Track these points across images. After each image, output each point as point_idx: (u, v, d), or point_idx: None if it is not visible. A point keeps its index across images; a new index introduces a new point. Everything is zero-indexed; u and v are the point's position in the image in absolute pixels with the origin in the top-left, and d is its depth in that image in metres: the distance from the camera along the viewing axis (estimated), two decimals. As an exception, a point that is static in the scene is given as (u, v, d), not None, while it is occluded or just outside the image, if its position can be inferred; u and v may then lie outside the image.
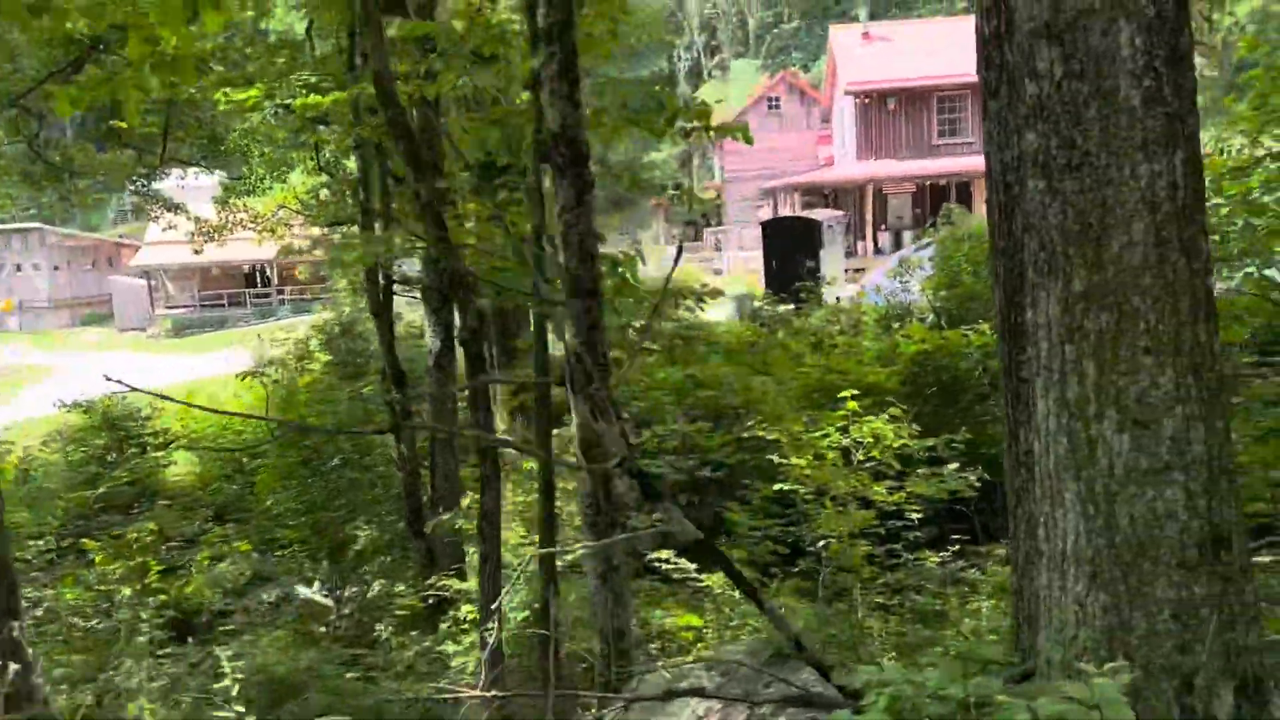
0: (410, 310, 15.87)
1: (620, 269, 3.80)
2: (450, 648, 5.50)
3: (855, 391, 6.81)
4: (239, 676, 4.01)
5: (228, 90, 7.90)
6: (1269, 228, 7.01)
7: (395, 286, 8.48)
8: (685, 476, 9.25)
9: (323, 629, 8.03)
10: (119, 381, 2.67)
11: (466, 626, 5.71)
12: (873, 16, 43.51)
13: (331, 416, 11.02)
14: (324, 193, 15.32)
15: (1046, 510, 2.93)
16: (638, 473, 2.72)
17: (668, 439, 9.60)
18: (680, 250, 3.72)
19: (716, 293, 4.36)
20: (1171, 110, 2.70)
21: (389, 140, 6.94)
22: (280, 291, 47.76)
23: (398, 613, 6.98)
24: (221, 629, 6.98)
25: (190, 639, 7.57)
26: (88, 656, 6.90)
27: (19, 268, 51.55)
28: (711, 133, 4.55)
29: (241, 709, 3.77)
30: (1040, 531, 2.97)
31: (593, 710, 2.74)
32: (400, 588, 8.10)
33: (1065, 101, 2.74)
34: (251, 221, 17.72)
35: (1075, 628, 2.87)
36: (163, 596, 7.90)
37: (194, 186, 23.29)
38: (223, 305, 48.00)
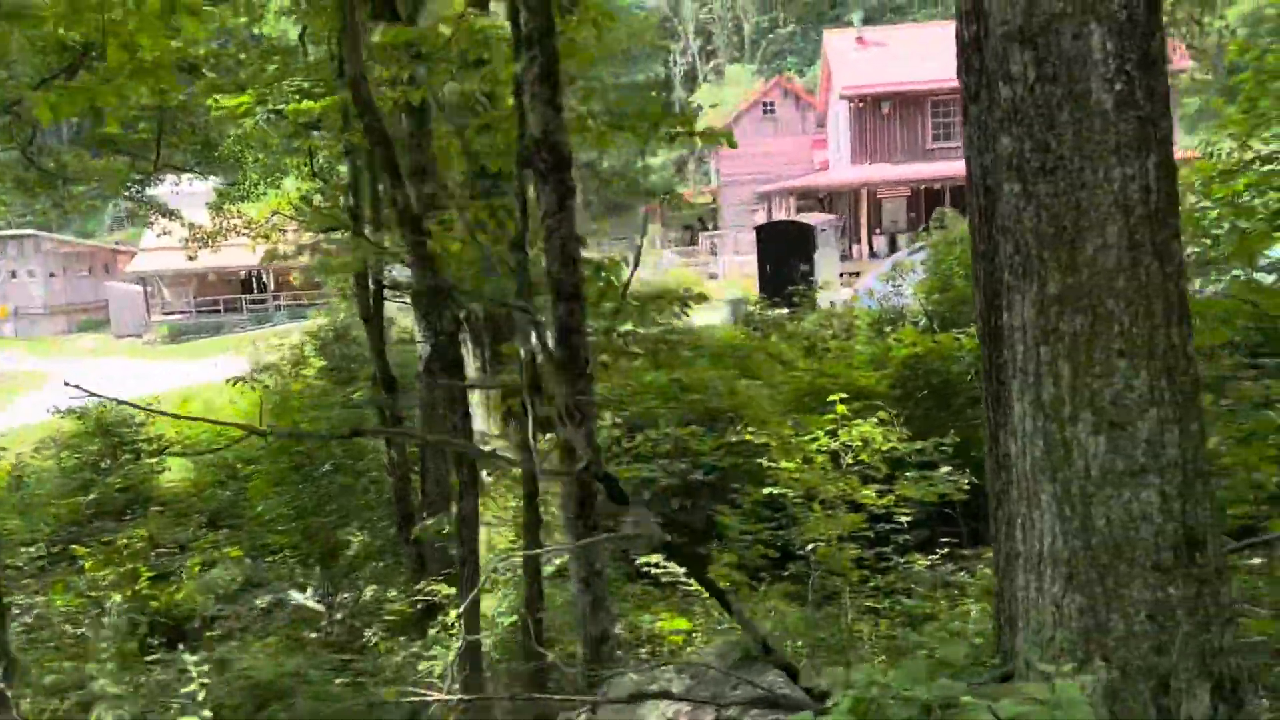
0: (404, 315, 15.87)
1: (603, 273, 3.82)
2: (439, 652, 5.51)
3: (844, 395, 6.81)
4: (208, 681, 4.00)
5: (217, 97, 7.90)
6: (1256, 230, 7.04)
7: (386, 291, 8.48)
8: (678, 480, 9.26)
9: (314, 634, 8.02)
10: (77, 386, 2.67)
11: (454, 631, 5.72)
12: (867, 21, 43.54)
13: (325, 422, 11.02)
14: (317, 198, 15.34)
15: (1023, 512, 2.94)
16: (603, 476, 2.72)
17: (660, 443, 9.62)
18: (638, 257, 3.72)
19: (701, 297, 4.37)
20: (1144, 114, 2.72)
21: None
22: (276, 297, 47.72)
23: (386, 618, 6.98)
24: (209, 635, 6.98)
25: (181, 645, 7.57)
26: (77, 663, 6.89)
27: (14, 274, 51.48)
28: (696, 137, 4.56)
29: (209, 714, 3.77)
30: (1018, 533, 2.98)
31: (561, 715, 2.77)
32: (392, 593, 8.10)
33: (1039, 105, 2.76)
34: (245, 227, 17.72)
35: (1052, 629, 2.88)
36: (154, 603, 7.90)
37: (188, 192, 23.28)
38: (219, 311, 47.93)
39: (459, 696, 2.53)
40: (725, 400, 7.14)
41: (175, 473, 14.45)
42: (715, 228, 44.89)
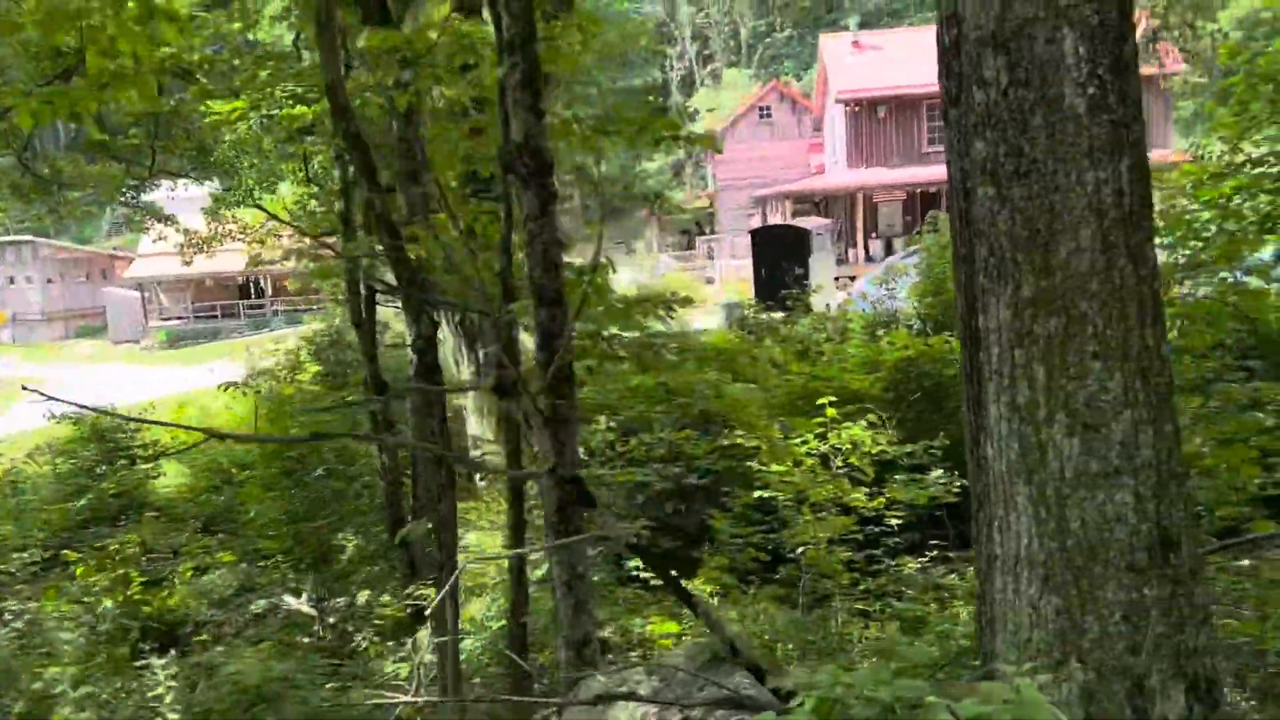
0: (398, 320, 15.88)
1: (586, 276, 3.83)
2: (428, 657, 5.51)
3: (836, 398, 6.83)
4: (175, 685, 4.00)
5: (209, 103, 7.92)
6: (1243, 233, 7.06)
7: (378, 295, 8.49)
8: (672, 484, 9.27)
9: (306, 639, 8.03)
10: (38, 392, 2.68)
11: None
12: (864, 25, 43.62)
13: (318, 427, 11.01)
14: (312, 203, 15.35)
15: (1000, 514, 2.95)
16: (570, 479, 2.73)
17: (655, 447, 9.63)
18: (595, 255, 3.70)
19: (687, 301, 4.39)
20: (1116, 117, 2.73)
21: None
22: (273, 302, 47.74)
23: (376, 622, 6.98)
24: (197, 639, 6.98)
25: (173, 650, 7.57)
26: (68, 669, 6.89)
27: (12, 280, 51.50)
28: (681, 142, 4.58)
29: (176, 718, 3.78)
30: (995, 535, 2.99)
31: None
32: (385, 598, 8.10)
33: (1012, 109, 2.78)
34: (241, 232, 17.72)
35: (1029, 630, 2.89)
36: (146, 608, 7.90)
37: (184, 198, 23.29)
38: (216, 317, 47.95)
39: (424, 699, 2.54)
40: (712, 404, 7.15)
41: (170, 478, 14.45)
42: (712, 232, 44.94)
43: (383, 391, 6.88)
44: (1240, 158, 8.50)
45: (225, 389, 8.85)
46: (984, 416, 3.17)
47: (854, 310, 14.55)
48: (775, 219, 36.54)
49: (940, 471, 7.08)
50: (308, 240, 10.50)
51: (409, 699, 2.26)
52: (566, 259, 4.29)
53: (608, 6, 48.93)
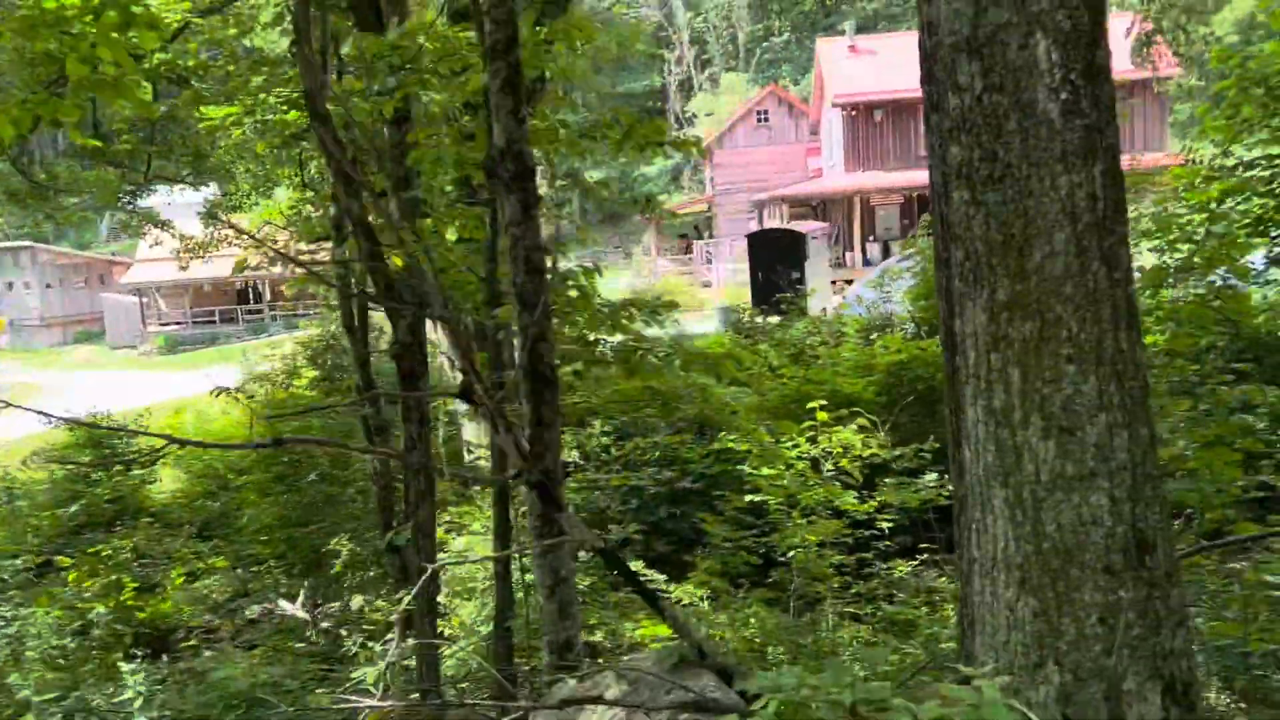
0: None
1: (569, 282, 3.85)
2: (406, 662, 5.51)
3: (824, 402, 6.84)
4: (143, 690, 4.00)
5: (202, 109, 7.93)
6: (1231, 236, 7.08)
7: (371, 301, 8.49)
8: (666, 488, 9.30)
9: (299, 644, 8.03)
10: (7, 404, 2.69)
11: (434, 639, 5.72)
12: (861, 30, 43.72)
13: (314, 432, 11.03)
14: (307, 208, 15.37)
15: (977, 517, 2.96)
16: (535, 484, 2.74)
17: (649, 451, 9.65)
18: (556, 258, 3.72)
19: (671, 305, 4.41)
20: (1090, 122, 2.75)
21: (360, 155, 7.00)
22: (272, 308, 47.77)
23: (365, 626, 6.99)
24: (185, 645, 6.98)
25: (165, 655, 7.58)
26: (60, 675, 6.90)
27: (10, 286, 51.55)
28: (666, 147, 4.59)
29: None
30: (972, 538, 3.00)
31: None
32: (380, 602, 8.11)
33: (986, 114, 2.79)
34: (237, 237, 17.75)
35: (1007, 633, 2.90)
36: (140, 614, 7.91)
37: (181, 203, 23.32)
38: (214, 322, 47.99)
39: (390, 704, 2.55)
40: (699, 407, 7.18)
41: (167, 483, 14.47)
42: (711, 236, 44.97)
43: (375, 398, 6.88)
44: (1232, 161, 8.53)
45: (217, 394, 8.85)
46: (962, 420, 3.19)
47: (849, 314, 14.57)
48: (773, 223, 36.60)
49: (934, 475, 7.10)
50: (303, 245, 10.51)
51: (373, 704, 2.27)
52: (563, 264, 4.32)
53: (606, 10, 49.05)
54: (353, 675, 4.25)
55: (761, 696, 1.77)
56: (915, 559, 6.89)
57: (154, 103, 11.60)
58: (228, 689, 5.00)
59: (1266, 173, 8.11)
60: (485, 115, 3.87)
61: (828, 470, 6.65)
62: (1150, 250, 7.70)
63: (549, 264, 3.79)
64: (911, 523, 7.54)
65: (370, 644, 6.80)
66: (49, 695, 5.24)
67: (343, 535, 8.76)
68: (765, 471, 6.58)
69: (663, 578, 6.42)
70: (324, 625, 8.28)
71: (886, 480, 6.85)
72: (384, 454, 4.32)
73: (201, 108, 10.51)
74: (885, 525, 6.86)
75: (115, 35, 2.76)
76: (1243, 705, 4.41)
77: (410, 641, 4.14)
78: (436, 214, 6.11)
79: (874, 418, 7.30)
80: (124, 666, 4.51)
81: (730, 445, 7.43)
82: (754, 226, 37.98)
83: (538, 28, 4.74)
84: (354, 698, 2.36)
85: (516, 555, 4.14)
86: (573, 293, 4.47)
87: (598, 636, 6.12)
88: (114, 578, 7.54)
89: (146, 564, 8.92)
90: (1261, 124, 8.38)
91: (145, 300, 48.62)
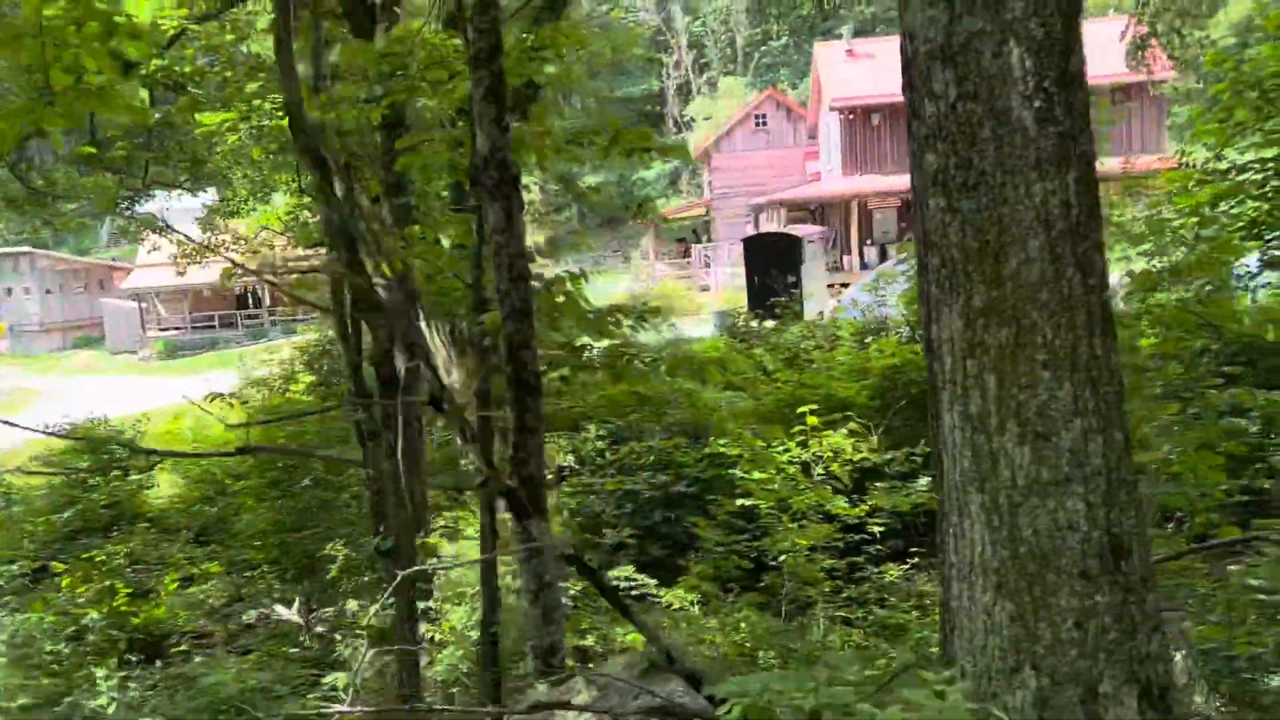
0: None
1: (554, 288, 3.87)
2: (390, 667, 5.54)
3: (814, 406, 6.86)
4: (117, 697, 4.01)
5: (196, 116, 7.96)
6: (1221, 240, 7.10)
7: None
8: (660, 492, 9.32)
9: (294, 649, 8.04)
10: None
11: (425, 645, 5.75)
12: (859, 34, 43.79)
13: (313, 437, 11.06)
14: (305, 214, 15.39)
15: (955, 522, 2.98)
16: (504, 491, 2.76)
17: (644, 455, 9.67)
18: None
19: (655, 311, 4.43)
20: (1064, 130, 2.77)
21: (354, 161, 7.03)
22: (271, 313, 47.80)
23: (357, 631, 7.01)
24: (176, 651, 7.00)
25: (159, 660, 7.59)
26: (55, 681, 6.91)
27: (9, 291, 51.60)
28: (653, 153, 4.62)
29: None
30: (951, 542, 3.02)
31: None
32: (374, 607, 8.11)
33: (961, 122, 2.81)
34: (234, 243, 17.78)
35: (984, 637, 2.91)
36: (135, 619, 7.92)
37: (179, 209, 23.34)
38: (214, 327, 48.02)
39: (360, 710, 2.56)
40: (686, 412, 7.20)
41: (164, 489, 14.48)
42: (709, 239, 45.02)
43: (355, 404, 6.90)
44: (1225, 165, 8.54)
45: (211, 400, 8.88)
46: (940, 425, 3.21)
47: (844, 317, 14.58)
48: (771, 227, 36.62)
49: (926, 479, 7.12)
50: (298, 251, 10.52)
51: (343, 709, 2.28)
52: (553, 269, 4.33)
53: (605, 14, 49.14)
54: (323, 681, 4.26)
55: (728, 701, 1.79)
56: (906, 563, 6.90)
57: (150, 108, 11.62)
58: (218, 694, 5.02)
59: (1259, 176, 8.13)
60: (471, 123, 3.89)
61: (818, 474, 6.66)
62: (1139, 254, 7.72)
63: (534, 270, 3.80)
64: (904, 526, 7.56)
65: (360, 649, 6.82)
66: (37, 702, 5.25)
67: (337, 540, 8.78)
68: (756, 476, 6.60)
69: (653, 582, 6.43)
70: (318, 630, 8.29)
71: (878, 484, 6.87)
72: (343, 463, 4.33)
73: (198, 114, 10.55)
74: (876, 529, 6.88)
75: (98, 45, 2.79)
76: (1233, 709, 4.42)
77: (378, 650, 4.16)
78: (425, 221, 6.14)
79: (865, 422, 7.31)
80: (98, 673, 4.52)
81: (721, 450, 7.44)
82: (751, 230, 37.99)
83: (523, 35, 4.76)
84: (325, 704, 2.37)
85: (475, 563, 4.15)
86: (560, 298, 4.48)
87: (589, 641, 6.14)
88: (107, 583, 7.55)
89: (140, 569, 8.93)
90: (1255, 127, 8.39)
91: (145, 305, 48.66)
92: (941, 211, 2.87)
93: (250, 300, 49.51)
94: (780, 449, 6.93)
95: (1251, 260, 8.52)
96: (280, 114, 10.48)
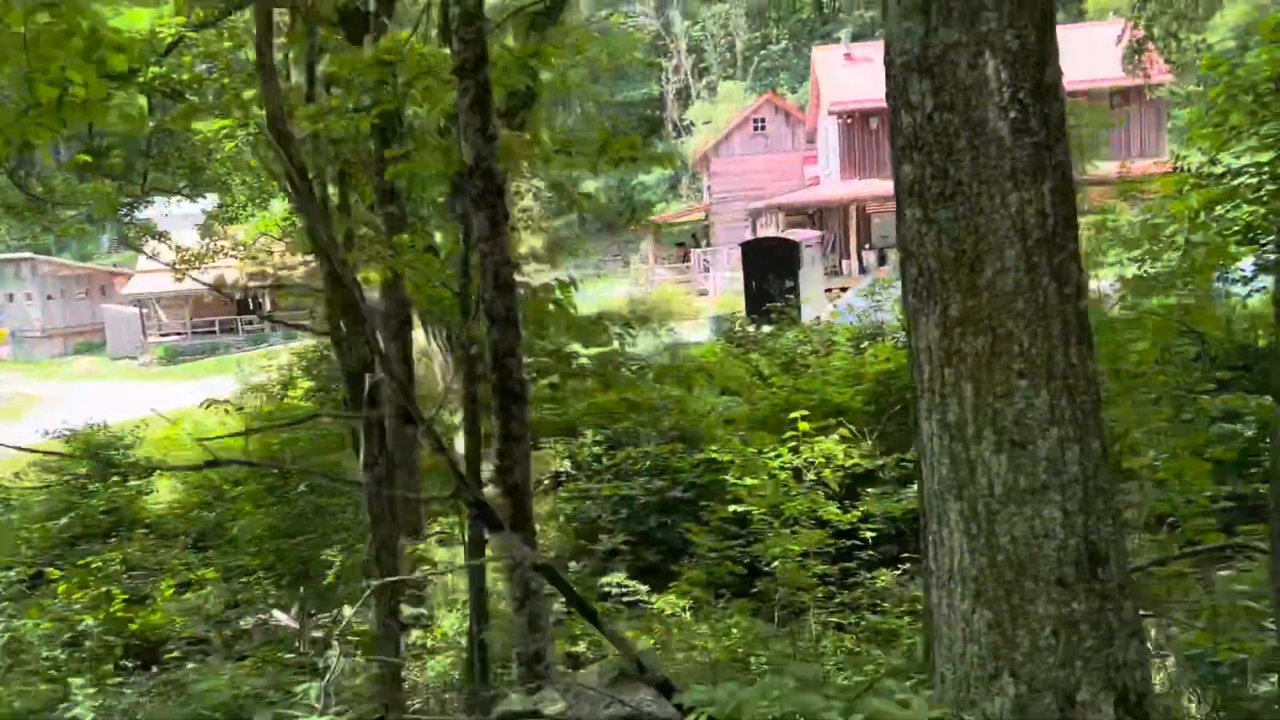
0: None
1: (540, 296, 3.89)
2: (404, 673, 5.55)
3: (805, 412, 6.88)
4: (97, 704, 4.03)
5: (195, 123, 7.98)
6: (1212, 246, 7.10)
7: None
8: (655, 498, 9.33)
9: (289, 655, 8.05)
10: None
11: (417, 651, 5.77)
12: (857, 38, 43.77)
13: (308, 444, 11.09)
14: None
15: (935, 529, 3.00)
16: (473, 502, 2.78)
17: (640, 460, 9.69)
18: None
19: (642, 320, 4.45)
20: (1039, 140, 2.79)
21: (349, 169, 7.06)
22: (272, 318, 47.77)
23: (350, 638, 7.02)
24: (170, 657, 7.01)
25: (155, 667, 7.60)
26: (51, 687, 6.93)
27: (11, 298, 51.67)
28: (642, 160, 4.64)
29: None
30: (931, 550, 3.04)
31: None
32: (348, 617, 8.12)
33: (937, 132, 2.83)
34: (233, 249, 17.81)
35: (963, 644, 2.93)
36: (132, 625, 7.93)
37: (179, 214, 23.39)
38: (214, 332, 48.05)
39: (331, 716, 2.59)
40: (675, 418, 7.22)
41: (163, 494, 14.49)
42: (708, 244, 45.04)
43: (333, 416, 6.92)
44: (1220, 169, 8.54)
45: (208, 406, 8.90)
46: (920, 433, 3.23)
47: (840, 322, 14.59)
48: (769, 231, 36.61)
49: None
50: (297, 258, 10.55)
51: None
52: (560, 274, 4.36)
53: (604, 19, 49.21)
54: (296, 689, 4.28)
55: (695, 709, 1.81)
56: (899, 568, 6.92)
57: (148, 115, 11.66)
58: (211, 700, 5.03)
59: (1255, 180, 8.14)
60: (459, 132, 3.91)
61: (809, 480, 6.68)
62: (1130, 260, 7.74)
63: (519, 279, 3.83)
64: (896, 532, 7.57)
65: (356, 655, 6.83)
66: (32, 708, 5.27)
67: (334, 546, 8.80)
68: (748, 481, 6.61)
69: (644, 588, 6.44)
70: (314, 635, 8.30)
71: (870, 490, 6.88)
72: (316, 474, 4.35)
73: (195, 121, 10.58)
74: (869, 535, 6.89)
75: (82, 60, 2.82)
76: (1218, 715, 4.43)
77: (352, 659, 4.18)
78: (421, 229, 6.16)
79: (855, 428, 7.32)
80: (75, 682, 4.53)
81: (714, 455, 7.46)
82: (750, 235, 38.01)
83: (517, 44, 4.79)
84: (297, 712, 2.40)
85: (450, 570, 4.17)
86: (550, 306, 4.50)
87: (581, 647, 6.15)
88: (104, 589, 7.57)
89: (137, 575, 8.95)
90: (1250, 131, 8.40)
91: (146, 311, 48.71)
92: (918, 221, 2.90)
93: (251, 305, 49.52)
94: (772, 454, 6.94)
95: (1247, 264, 8.53)
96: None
